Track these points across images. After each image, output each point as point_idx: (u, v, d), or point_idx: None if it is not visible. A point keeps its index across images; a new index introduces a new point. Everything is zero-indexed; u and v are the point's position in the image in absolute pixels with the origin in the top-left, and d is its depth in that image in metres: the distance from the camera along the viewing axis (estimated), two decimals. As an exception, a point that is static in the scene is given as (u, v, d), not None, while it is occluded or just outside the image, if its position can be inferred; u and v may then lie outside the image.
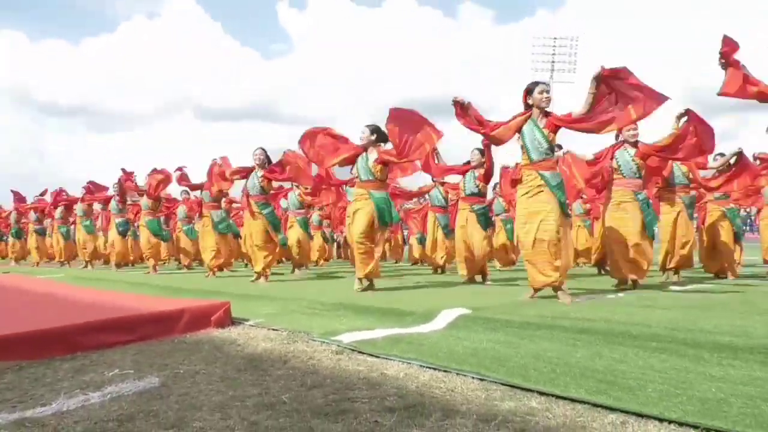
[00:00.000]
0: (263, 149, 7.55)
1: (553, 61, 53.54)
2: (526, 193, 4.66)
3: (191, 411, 1.74)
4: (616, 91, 4.39)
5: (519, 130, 4.70)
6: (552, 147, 4.71)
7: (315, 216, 13.15)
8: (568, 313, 3.64)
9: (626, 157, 5.69)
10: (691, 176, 6.65)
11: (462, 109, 4.85)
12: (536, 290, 4.68)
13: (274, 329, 3.26)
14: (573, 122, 4.56)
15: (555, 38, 53.65)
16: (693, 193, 6.80)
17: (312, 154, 6.34)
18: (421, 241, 12.35)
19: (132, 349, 2.81)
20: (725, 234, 7.14)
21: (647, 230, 5.74)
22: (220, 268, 9.20)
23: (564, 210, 4.59)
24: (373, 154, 5.92)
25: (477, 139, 5.97)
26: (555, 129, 4.66)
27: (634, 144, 5.70)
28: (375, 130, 5.97)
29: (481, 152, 6.57)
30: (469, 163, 6.80)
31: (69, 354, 2.70)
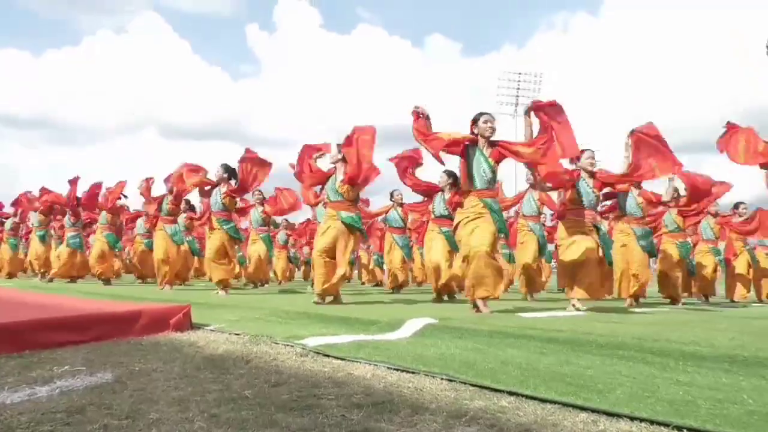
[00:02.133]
0: (224, 165, 7.50)
1: (517, 96, 54.71)
2: (466, 217, 4.80)
3: (147, 404, 1.65)
4: (552, 123, 4.58)
5: (463, 147, 4.83)
6: (495, 177, 4.87)
7: (281, 235, 13.03)
8: (535, 324, 3.64)
9: (586, 188, 5.68)
10: (643, 208, 6.78)
11: (419, 119, 4.92)
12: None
13: (236, 333, 3.16)
14: (515, 152, 4.76)
15: (520, 73, 54.95)
16: (646, 227, 6.93)
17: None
18: (378, 262, 12.36)
19: (84, 348, 2.68)
20: (676, 264, 7.47)
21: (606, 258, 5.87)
22: (177, 280, 8.97)
23: (503, 233, 4.95)
24: (340, 175, 5.92)
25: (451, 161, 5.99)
26: (499, 158, 4.83)
27: (592, 174, 5.72)
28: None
29: (449, 174, 6.61)
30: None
31: (16, 352, 2.56)
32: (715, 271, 8.60)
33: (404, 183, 6.97)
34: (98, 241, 10.11)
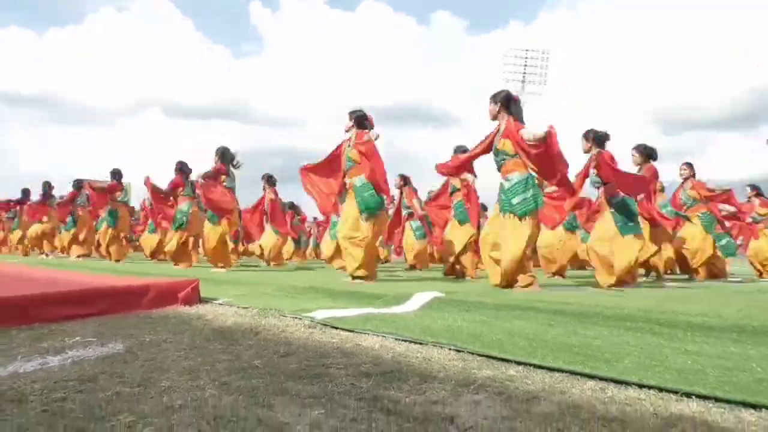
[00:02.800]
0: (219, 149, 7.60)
1: (524, 73, 54.15)
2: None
3: (158, 373, 1.67)
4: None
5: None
6: (506, 153, 4.80)
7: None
8: (542, 297, 3.65)
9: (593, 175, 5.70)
10: None
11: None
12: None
13: (244, 307, 3.18)
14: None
15: (527, 50, 54.28)
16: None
17: (316, 194, 6.02)
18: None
19: (94, 321, 2.70)
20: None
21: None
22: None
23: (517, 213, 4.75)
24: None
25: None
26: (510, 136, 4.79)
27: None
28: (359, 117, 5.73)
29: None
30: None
31: (26, 325, 2.58)
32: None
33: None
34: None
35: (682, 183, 7.78)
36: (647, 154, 6.29)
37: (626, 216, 5.42)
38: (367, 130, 5.64)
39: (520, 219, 4.57)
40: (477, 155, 5.08)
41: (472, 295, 3.71)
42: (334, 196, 5.89)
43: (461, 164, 5.47)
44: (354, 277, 5.37)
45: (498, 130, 4.81)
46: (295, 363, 1.82)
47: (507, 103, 4.79)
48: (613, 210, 5.48)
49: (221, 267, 7.54)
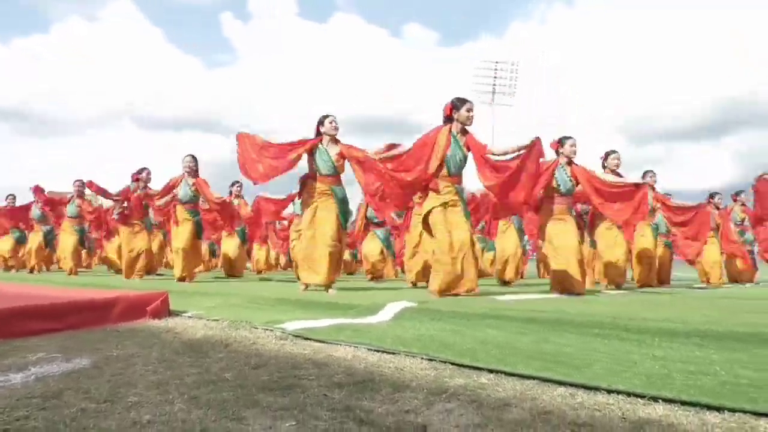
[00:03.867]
0: (192, 156, 7.51)
1: (494, 85, 54.97)
2: (444, 203, 4.84)
3: (126, 388, 1.64)
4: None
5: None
6: (466, 163, 4.94)
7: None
8: (512, 306, 3.68)
9: (564, 176, 5.77)
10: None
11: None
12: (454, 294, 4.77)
13: (214, 319, 3.14)
14: (483, 158, 4.83)
15: (497, 62, 55.11)
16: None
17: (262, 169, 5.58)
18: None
19: (60, 336, 2.64)
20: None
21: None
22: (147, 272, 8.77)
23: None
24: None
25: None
26: (468, 148, 4.90)
27: (570, 162, 5.77)
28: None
29: None
30: None
31: (-12, 342, 2.51)
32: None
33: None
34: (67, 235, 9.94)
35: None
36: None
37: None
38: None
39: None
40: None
41: (443, 304, 3.72)
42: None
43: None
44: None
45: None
46: (266, 375, 1.80)
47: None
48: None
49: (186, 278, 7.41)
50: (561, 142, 5.73)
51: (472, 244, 4.88)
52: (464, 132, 4.92)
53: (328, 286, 5.33)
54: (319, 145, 5.50)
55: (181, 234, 7.44)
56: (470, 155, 4.95)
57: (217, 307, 3.77)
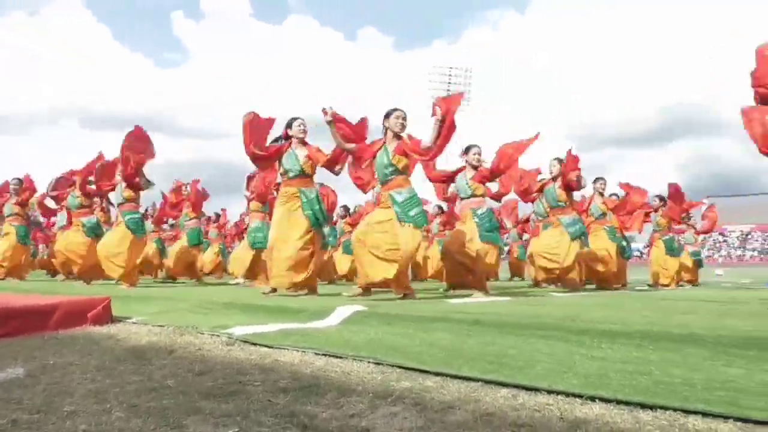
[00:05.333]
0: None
1: (448, 90, 55.90)
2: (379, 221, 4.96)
3: (61, 397, 1.58)
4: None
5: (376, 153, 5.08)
6: (397, 168, 4.98)
7: (213, 229, 12.76)
8: (462, 309, 3.73)
9: (462, 182, 6.09)
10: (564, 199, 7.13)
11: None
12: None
13: (159, 325, 3.07)
14: (418, 153, 4.94)
15: (451, 68, 55.96)
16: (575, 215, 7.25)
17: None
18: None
19: (-7, 344, 2.53)
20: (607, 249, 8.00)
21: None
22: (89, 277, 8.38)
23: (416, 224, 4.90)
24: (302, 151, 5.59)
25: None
26: (403, 153, 4.96)
27: (475, 168, 6.09)
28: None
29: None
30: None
31: None
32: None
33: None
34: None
35: (592, 196, 8.26)
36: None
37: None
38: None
39: (416, 228, 4.83)
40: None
41: (394, 307, 3.74)
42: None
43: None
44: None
45: (384, 143, 5.03)
46: (210, 381, 1.77)
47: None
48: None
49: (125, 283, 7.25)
50: (467, 150, 6.16)
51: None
52: (398, 137, 5.01)
53: (290, 289, 5.32)
54: (289, 148, 5.53)
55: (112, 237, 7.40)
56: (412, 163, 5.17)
57: (163, 312, 3.68)
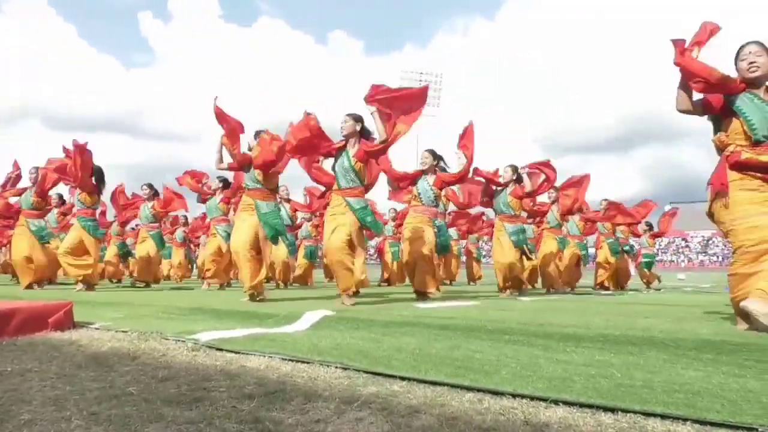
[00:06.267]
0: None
1: (420, 95, 56.15)
2: (333, 214, 5.05)
3: (19, 405, 1.53)
4: (392, 109, 4.80)
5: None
6: (358, 175, 5.03)
7: (179, 232, 12.59)
8: (429, 313, 3.75)
9: (425, 186, 6.17)
10: (513, 206, 7.22)
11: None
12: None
13: (123, 331, 3.01)
14: (375, 148, 4.98)
15: (421, 73, 56.29)
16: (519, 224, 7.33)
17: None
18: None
19: (-53, 351, 2.44)
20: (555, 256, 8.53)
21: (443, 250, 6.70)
22: (38, 282, 8.06)
23: (372, 229, 5.07)
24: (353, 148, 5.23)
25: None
26: (364, 158, 4.99)
27: (433, 172, 6.18)
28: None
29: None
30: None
31: None
32: (578, 264, 9.39)
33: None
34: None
35: (552, 203, 8.45)
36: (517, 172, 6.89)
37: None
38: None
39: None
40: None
41: (363, 312, 3.74)
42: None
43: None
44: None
45: (344, 147, 5.05)
46: (174, 387, 1.74)
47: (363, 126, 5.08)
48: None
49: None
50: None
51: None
52: (356, 144, 5.08)
53: (251, 295, 5.28)
54: None
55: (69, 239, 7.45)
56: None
57: (127, 318, 3.61)
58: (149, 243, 9.46)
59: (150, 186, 9.41)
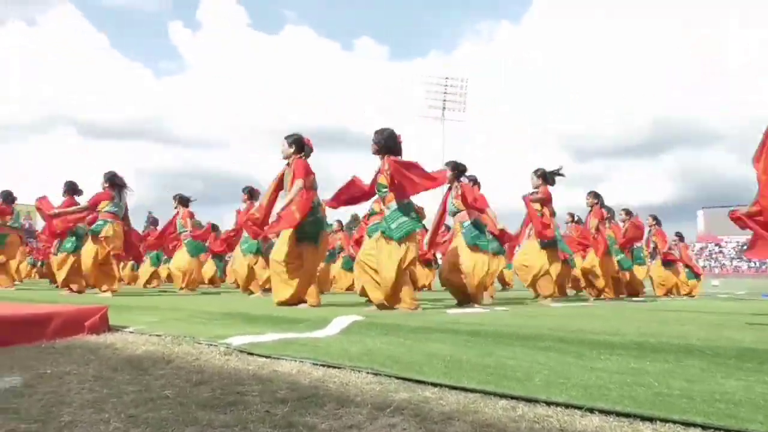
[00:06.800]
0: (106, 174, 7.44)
1: (444, 100, 55.72)
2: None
3: (59, 407, 1.57)
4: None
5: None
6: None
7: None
8: (459, 319, 3.72)
9: (449, 200, 6.16)
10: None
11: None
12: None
13: (156, 335, 3.06)
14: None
15: (447, 78, 55.98)
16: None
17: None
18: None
19: (-11, 353, 2.51)
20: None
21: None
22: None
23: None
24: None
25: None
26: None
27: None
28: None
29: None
30: None
31: None
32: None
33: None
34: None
35: (590, 211, 8.25)
36: (545, 177, 6.71)
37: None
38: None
39: (398, 243, 4.72)
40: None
41: (391, 318, 3.73)
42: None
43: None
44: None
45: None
46: (208, 391, 1.76)
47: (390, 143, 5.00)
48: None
49: (106, 290, 7.23)
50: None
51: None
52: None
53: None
54: None
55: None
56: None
57: (160, 322, 3.67)
58: (184, 251, 9.62)
59: (177, 197, 9.54)
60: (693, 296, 9.89)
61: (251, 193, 8.51)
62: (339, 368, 2.15)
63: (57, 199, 8.13)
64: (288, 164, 5.45)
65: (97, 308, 3.25)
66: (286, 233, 5.29)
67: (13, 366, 2.20)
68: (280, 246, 5.29)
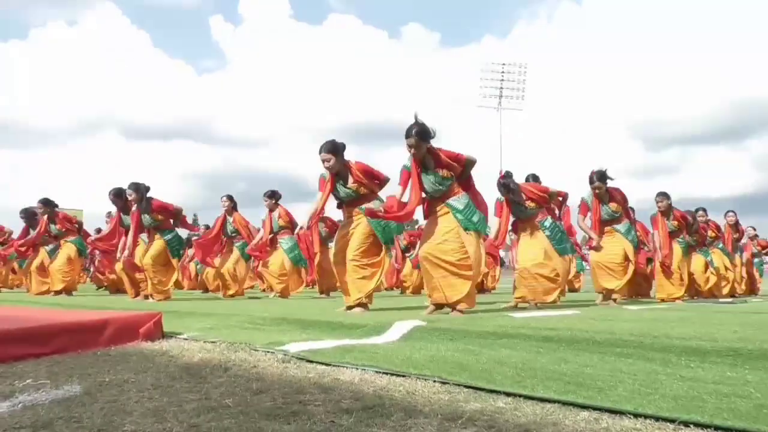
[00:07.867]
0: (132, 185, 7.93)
1: (501, 87, 54.67)
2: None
3: (120, 416, 1.63)
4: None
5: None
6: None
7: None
8: (527, 323, 3.66)
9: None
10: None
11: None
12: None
13: (211, 341, 3.13)
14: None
15: (503, 64, 54.96)
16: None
17: None
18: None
19: (47, 361, 2.63)
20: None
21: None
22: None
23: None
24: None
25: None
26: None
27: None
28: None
29: None
30: None
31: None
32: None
33: None
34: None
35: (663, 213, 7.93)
36: (603, 179, 6.64)
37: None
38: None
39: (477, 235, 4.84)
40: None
41: (455, 322, 3.71)
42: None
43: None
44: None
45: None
46: (269, 400, 1.79)
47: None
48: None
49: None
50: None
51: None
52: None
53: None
54: None
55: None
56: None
57: (214, 328, 3.76)
58: (236, 253, 9.84)
59: (230, 198, 9.75)
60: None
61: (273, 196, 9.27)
62: (404, 376, 2.14)
63: (105, 205, 8.69)
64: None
65: (152, 314, 3.36)
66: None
67: (71, 374, 2.29)
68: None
